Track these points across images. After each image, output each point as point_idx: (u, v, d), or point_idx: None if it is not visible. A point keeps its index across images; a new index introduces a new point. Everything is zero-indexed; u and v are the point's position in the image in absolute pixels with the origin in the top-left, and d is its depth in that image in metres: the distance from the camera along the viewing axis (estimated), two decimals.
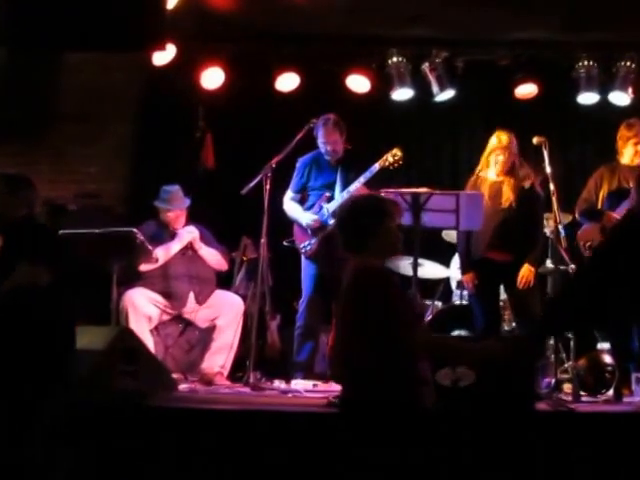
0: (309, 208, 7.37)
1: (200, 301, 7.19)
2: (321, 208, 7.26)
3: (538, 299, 6.72)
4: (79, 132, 8.90)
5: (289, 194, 7.50)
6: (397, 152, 7.19)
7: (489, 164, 6.79)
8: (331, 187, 7.32)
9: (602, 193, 6.95)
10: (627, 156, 6.92)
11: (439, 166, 9.33)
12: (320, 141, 7.32)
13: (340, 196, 7.22)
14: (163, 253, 7.14)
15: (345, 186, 7.22)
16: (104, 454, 4.54)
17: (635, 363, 6.53)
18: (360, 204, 4.75)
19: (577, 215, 7.04)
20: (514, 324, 7.34)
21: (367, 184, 7.15)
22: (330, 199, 7.27)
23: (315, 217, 7.25)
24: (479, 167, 6.87)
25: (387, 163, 7.18)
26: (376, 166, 7.17)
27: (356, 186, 7.14)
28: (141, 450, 4.54)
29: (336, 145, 7.32)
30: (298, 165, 7.48)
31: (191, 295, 7.17)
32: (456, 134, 9.27)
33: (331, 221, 7.13)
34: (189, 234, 7.31)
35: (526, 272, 6.59)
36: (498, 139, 6.75)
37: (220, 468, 4.52)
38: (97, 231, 6.68)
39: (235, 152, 8.88)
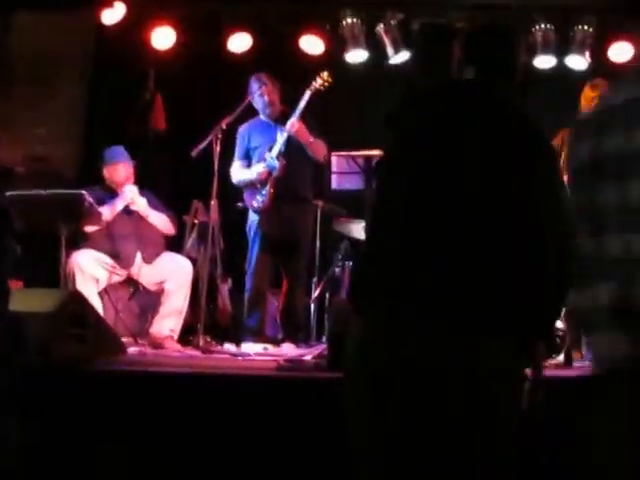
0: (255, 164, 7.28)
1: (147, 261, 7.06)
2: (265, 159, 7.15)
3: None
4: (27, 94, 8.77)
5: (236, 163, 7.38)
6: (323, 73, 7.18)
7: None
8: (272, 143, 7.23)
9: (563, 155, 6.94)
10: None
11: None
12: (257, 94, 7.22)
13: (281, 136, 7.13)
14: (109, 211, 7.01)
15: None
16: (50, 419, 4.47)
17: None
18: None
19: None
20: None
21: (304, 119, 7.12)
22: (272, 147, 7.15)
23: (262, 164, 7.15)
24: None
25: (317, 85, 7.13)
26: (307, 92, 7.12)
27: (292, 121, 7.07)
28: (89, 414, 4.48)
29: (272, 95, 7.26)
30: (238, 134, 7.39)
31: (138, 255, 7.04)
32: None
33: (276, 164, 7.05)
34: (130, 192, 7.17)
35: None
36: None
37: (169, 430, 4.47)
38: (44, 193, 6.55)
39: (186, 114, 8.78)
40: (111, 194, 7.22)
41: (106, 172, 7.28)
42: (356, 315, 2.96)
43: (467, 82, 3.13)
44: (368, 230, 3.20)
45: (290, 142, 7.10)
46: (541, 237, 2.89)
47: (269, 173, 7.09)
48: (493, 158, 2.89)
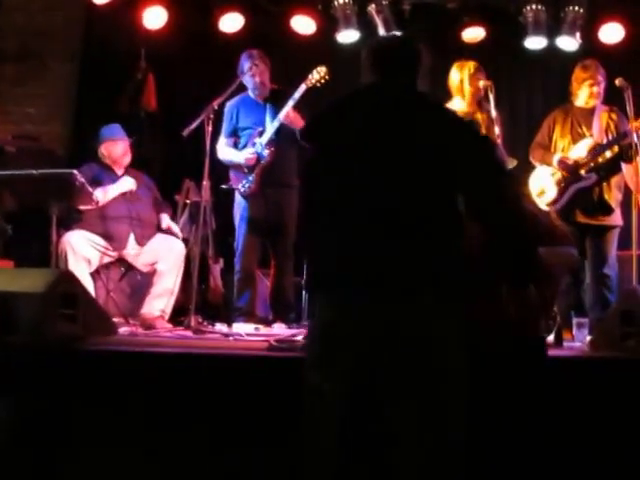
0: (243, 148, 7.25)
1: (141, 243, 7.06)
2: (255, 144, 7.15)
3: None
4: (18, 72, 8.75)
5: (222, 140, 7.36)
6: (321, 68, 7.10)
7: None
8: (261, 125, 7.21)
9: (555, 136, 6.99)
10: (582, 98, 6.96)
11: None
12: (247, 74, 7.17)
13: (271, 126, 7.11)
14: (102, 195, 7.00)
15: (275, 117, 7.12)
16: (41, 398, 4.47)
17: (576, 308, 6.60)
18: None
19: (532, 159, 7.05)
20: None
21: (297, 108, 7.08)
22: (262, 133, 7.16)
23: (251, 150, 7.14)
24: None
25: (313, 81, 7.07)
26: (302, 86, 7.05)
27: (286, 111, 7.03)
28: (80, 394, 4.49)
29: (263, 76, 7.22)
30: (226, 110, 7.33)
31: (131, 237, 7.05)
32: None
33: (266, 153, 7.05)
34: (129, 184, 7.18)
35: None
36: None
37: (161, 411, 4.48)
38: (36, 172, 6.53)
39: (177, 93, 8.77)
40: (107, 171, 7.24)
41: (104, 149, 7.27)
42: (313, 294, 3.40)
43: (379, 85, 3.46)
44: (305, 221, 3.54)
45: (280, 128, 7.08)
46: (486, 191, 3.27)
47: (257, 160, 7.09)
48: (419, 140, 3.22)
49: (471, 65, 6.82)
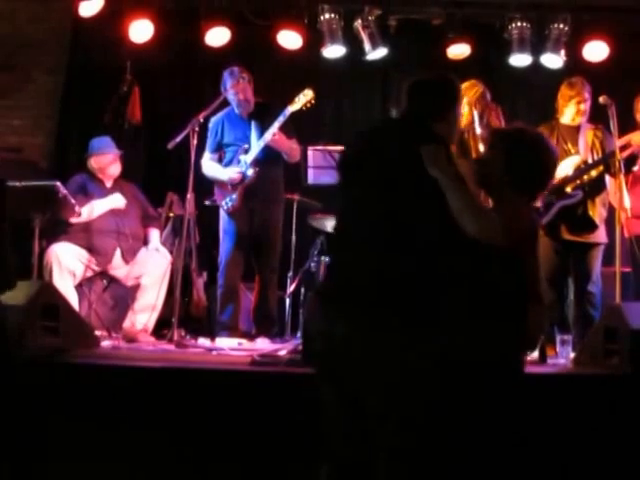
0: (228, 164, 7.25)
1: (127, 259, 7.04)
2: (240, 161, 7.14)
3: None
4: (2, 83, 8.71)
5: (207, 155, 7.36)
6: (308, 92, 7.12)
7: None
8: (246, 141, 7.22)
9: None
10: (568, 115, 6.96)
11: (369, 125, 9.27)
12: (230, 92, 7.17)
13: (257, 145, 7.11)
14: (87, 211, 6.97)
15: (261, 135, 7.11)
16: (22, 410, 4.44)
17: (560, 324, 6.61)
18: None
19: None
20: None
21: (283, 129, 7.08)
22: (247, 150, 7.16)
23: (236, 169, 7.13)
24: None
25: (300, 104, 7.09)
26: (289, 108, 7.07)
27: (272, 132, 7.02)
28: (61, 407, 4.47)
29: (246, 92, 7.21)
30: (210, 126, 7.34)
31: (118, 252, 7.02)
32: (387, 94, 9.19)
33: (250, 172, 7.04)
34: (119, 202, 7.15)
35: None
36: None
37: (142, 424, 4.46)
38: (18, 184, 6.50)
39: (163, 106, 8.76)
40: (96, 182, 7.25)
41: (93, 162, 7.26)
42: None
43: (397, 120, 3.79)
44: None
45: (265, 148, 7.08)
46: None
47: (242, 179, 7.08)
48: (404, 177, 3.38)
49: (480, 88, 6.83)
